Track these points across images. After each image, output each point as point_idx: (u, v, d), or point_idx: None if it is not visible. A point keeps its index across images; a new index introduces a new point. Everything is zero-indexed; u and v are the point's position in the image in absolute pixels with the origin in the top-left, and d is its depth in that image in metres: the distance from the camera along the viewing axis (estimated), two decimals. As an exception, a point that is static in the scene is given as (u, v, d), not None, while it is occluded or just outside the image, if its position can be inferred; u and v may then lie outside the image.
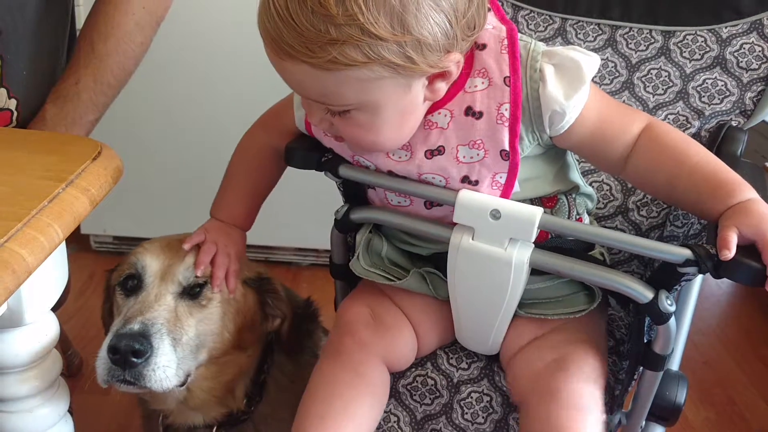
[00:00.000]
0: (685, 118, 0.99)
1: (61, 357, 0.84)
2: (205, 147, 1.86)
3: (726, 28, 1.00)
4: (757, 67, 0.98)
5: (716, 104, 0.99)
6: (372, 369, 0.86)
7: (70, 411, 0.86)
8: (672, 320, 0.75)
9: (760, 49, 0.98)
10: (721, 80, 0.99)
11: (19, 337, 0.75)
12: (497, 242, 0.76)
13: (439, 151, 0.78)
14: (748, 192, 0.74)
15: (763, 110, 0.98)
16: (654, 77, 1.02)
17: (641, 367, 0.83)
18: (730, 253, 0.68)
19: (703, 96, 1.00)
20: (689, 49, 1.01)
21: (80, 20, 1.66)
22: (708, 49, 1.01)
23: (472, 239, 0.77)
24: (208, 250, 0.96)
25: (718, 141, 0.95)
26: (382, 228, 0.91)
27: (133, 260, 0.95)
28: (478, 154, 0.77)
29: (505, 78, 0.75)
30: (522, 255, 0.76)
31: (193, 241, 0.97)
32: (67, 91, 1.01)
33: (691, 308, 0.93)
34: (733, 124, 0.98)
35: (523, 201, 0.80)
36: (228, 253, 0.97)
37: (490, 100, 0.76)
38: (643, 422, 0.87)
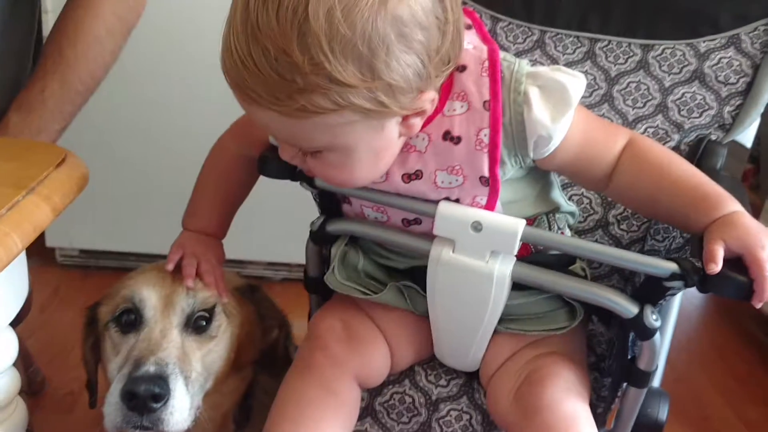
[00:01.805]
0: (664, 131, 0.99)
1: (22, 374, 0.80)
2: (177, 158, 1.82)
3: (704, 42, 1.00)
4: (735, 81, 0.98)
5: (695, 118, 0.99)
6: (343, 386, 0.83)
7: (30, 430, 0.82)
8: (657, 335, 0.74)
9: (737, 63, 0.98)
10: (700, 94, 0.99)
11: (-26, 353, 0.71)
12: (479, 255, 0.74)
13: (417, 175, 0.76)
14: (732, 205, 0.73)
15: (742, 124, 0.98)
16: (633, 90, 1.02)
17: (625, 384, 0.82)
18: (717, 266, 0.67)
19: (682, 109, 1.00)
20: (668, 62, 1.01)
21: (47, 27, 1.63)
22: (686, 62, 1.01)
23: (453, 252, 0.75)
24: (191, 263, 0.93)
25: (698, 155, 0.95)
26: (359, 240, 0.89)
27: (127, 294, 0.90)
28: (456, 180, 0.75)
29: (484, 102, 0.72)
30: (504, 268, 0.74)
31: (172, 259, 0.93)
32: (32, 98, 0.97)
33: (672, 323, 0.92)
34: (712, 138, 0.98)
35: None
36: (210, 261, 0.94)
37: (469, 124, 0.73)
38: (626, 440, 0.85)
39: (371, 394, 0.89)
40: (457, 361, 0.88)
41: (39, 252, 1.92)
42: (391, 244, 0.84)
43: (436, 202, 0.75)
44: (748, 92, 0.98)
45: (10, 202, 0.64)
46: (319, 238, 0.86)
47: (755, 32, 0.98)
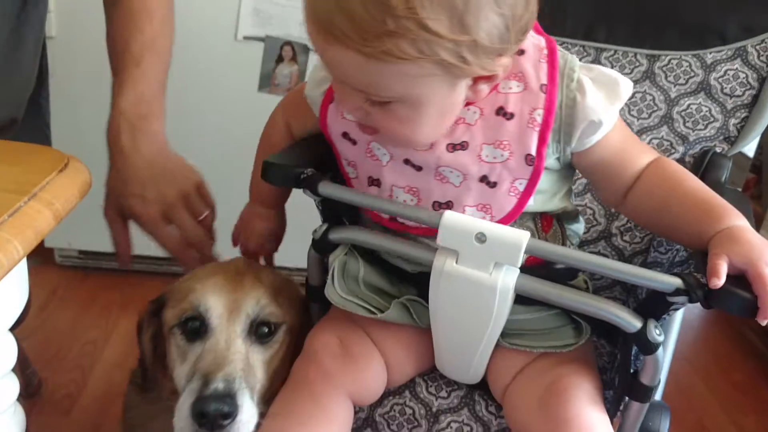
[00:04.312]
0: (669, 143, 0.99)
1: (19, 376, 0.79)
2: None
3: (710, 53, 1.00)
4: (741, 93, 0.98)
5: (700, 130, 0.99)
6: (334, 402, 0.82)
7: (27, 435, 0.81)
8: (660, 350, 0.73)
9: (744, 75, 0.98)
10: (706, 106, 0.99)
11: (-28, 359, 0.70)
12: (482, 267, 0.73)
13: (462, 146, 0.76)
14: (737, 219, 0.73)
15: (747, 137, 0.98)
16: (639, 101, 1.01)
17: (627, 398, 0.81)
18: (720, 281, 0.66)
19: (688, 121, 0.99)
20: (674, 73, 1.01)
21: (51, 27, 1.63)
22: (692, 74, 1.00)
23: (456, 263, 0.74)
24: (246, 249, 0.98)
25: (703, 167, 0.94)
26: (358, 247, 0.88)
27: (194, 301, 0.89)
28: (502, 155, 0.76)
29: (541, 85, 0.75)
30: (507, 280, 0.73)
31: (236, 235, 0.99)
32: (131, 73, 1.00)
33: (675, 336, 0.92)
34: (717, 150, 0.98)
35: (528, 219, 0.81)
36: (255, 234, 0.98)
37: (523, 103, 0.75)
38: (627, 454, 0.85)
39: (371, 405, 0.88)
40: (458, 373, 0.87)
41: (38, 252, 1.91)
42: (393, 253, 0.83)
43: (442, 211, 0.75)
44: (753, 105, 0.98)
45: (12, 208, 0.63)
46: (322, 247, 0.85)
47: (762, 44, 0.97)
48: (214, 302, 0.89)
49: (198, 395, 0.81)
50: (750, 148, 2.13)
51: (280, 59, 1.74)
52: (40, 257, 1.96)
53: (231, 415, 0.80)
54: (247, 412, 0.82)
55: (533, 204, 0.79)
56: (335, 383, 0.83)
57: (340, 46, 0.65)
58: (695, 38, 1.00)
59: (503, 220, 0.78)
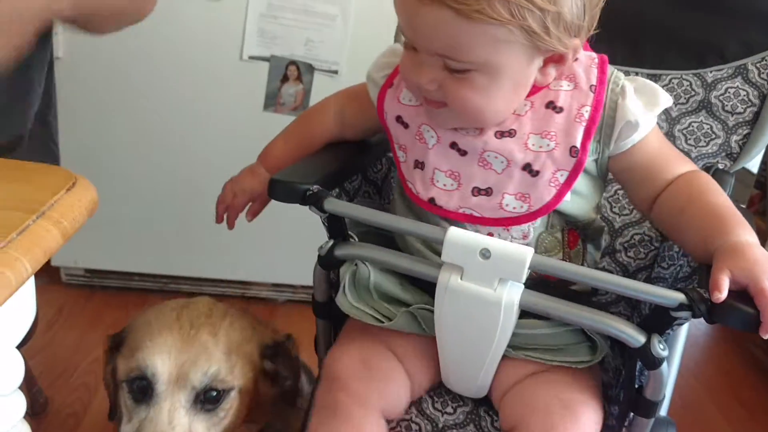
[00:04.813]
0: (672, 159, 0.99)
1: (26, 395, 0.79)
2: (184, 178, 1.84)
3: (711, 72, 1.01)
4: (742, 110, 0.99)
5: (702, 147, 0.99)
6: (371, 424, 0.82)
7: (33, 454, 0.82)
8: (664, 365, 0.73)
9: (744, 93, 0.99)
10: (707, 123, 1.00)
11: (-21, 377, 0.71)
12: (486, 282, 0.74)
13: (510, 133, 0.80)
14: (745, 234, 0.73)
15: (749, 153, 0.99)
16: (640, 119, 1.02)
17: (632, 414, 0.81)
18: (722, 295, 0.67)
19: (689, 138, 1.00)
20: (675, 93, 1.02)
21: (58, 48, 1.65)
22: (693, 93, 1.01)
23: (461, 279, 0.75)
24: (223, 199, 0.98)
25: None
26: None
27: (141, 364, 0.88)
28: (548, 145, 0.79)
29: (591, 86, 0.80)
30: (512, 296, 0.74)
31: (223, 199, 0.99)
32: None
33: (680, 351, 0.91)
34: (720, 167, 0.98)
35: (557, 230, 0.82)
36: (245, 190, 0.98)
37: (572, 100, 0.80)
38: (633, 470, 0.84)
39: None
40: (464, 387, 0.87)
41: (44, 271, 1.92)
42: (399, 269, 0.83)
43: (446, 227, 0.75)
44: (755, 122, 0.98)
45: (21, 226, 0.64)
46: (328, 263, 0.86)
47: (762, 62, 0.98)
48: (161, 367, 0.87)
49: None
50: (754, 165, 2.13)
51: (285, 79, 1.75)
52: (47, 276, 1.97)
53: None
54: None
55: (569, 201, 0.81)
56: (368, 405, 0.83)
57: (434, 4, 0.69)
58: (695, 57, 1.01)
59: (540, 211, 0.80)
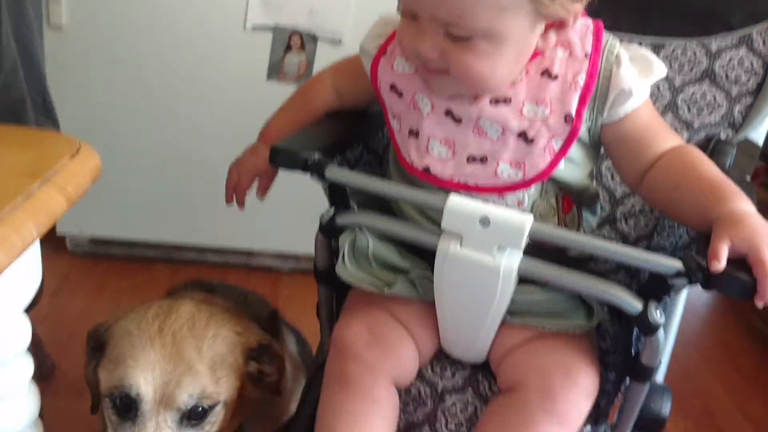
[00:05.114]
0: (673, 129, 0.99)
1: (33, 360, 0.81)
2: (187, 147, 1.84)
3: (715, 41, 1.00)
4: (746, 80, 0.98)
5: (705, 117, 0.99)
6: (383, 391, 0.84)
7: (41, 415, 0.83)
8: (660, 331, 0.74)
9: (749, 62, 0.98)
10: (711, 93, 0.99)
11: (-11, 339, 0.72)
12: (486, 250, 0.75)
13: (505, 101, 0.80)
14: (743, 203, 0.73)
15: (751, 123, 0.99)
16: (643, 89, 1.02)
17: (628, 379, 0.82)
18: (720, 264, 0.67)
19: (692, 108, 1.00)
20: (678, 61, 1.01)
21: (61, 16, 1.64)
22: (697, 62, 1.01)
23: (461, 246, 0.75)
24: (230, 182, 0.98)
25: (707, 154, 0.95)
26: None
27: (125, 383, 0.85)
28: (543, 112, 0.79)
29: (586, 54, 0.80)
30: (511, 263, 0.75)
31: (230, 182, 0.99)
32: None
33: (677, 319, 0.93)
34: (722, 137, 0.98)
35: (552, 195, 0.83)
36: (250, 170, 0.98)
37: (567, 67, 0.80)
38: (628, 434, 0.86)
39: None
40: (462, 352, 0.89)
41: (50, 240, 1.94)
42: (399, 237, 0.84)
43: (447, 195, 0.76)
44: (758, 92, 0.98)
45: (26, 192, 0.65)
46: (329, 231, 0.87)
47: None
48: (144, 387, 0.84)
49: None
50: (760, 137, 2.12)
51: (288, 48, 1.75)
52: (52, 245, 1.99)
53: None
54: None
55: (563, 169, 0.81)
56: (378, 373, 0.84)
57: None
58: (700, 25, 1.01)
59: (535, 179, 0.81)
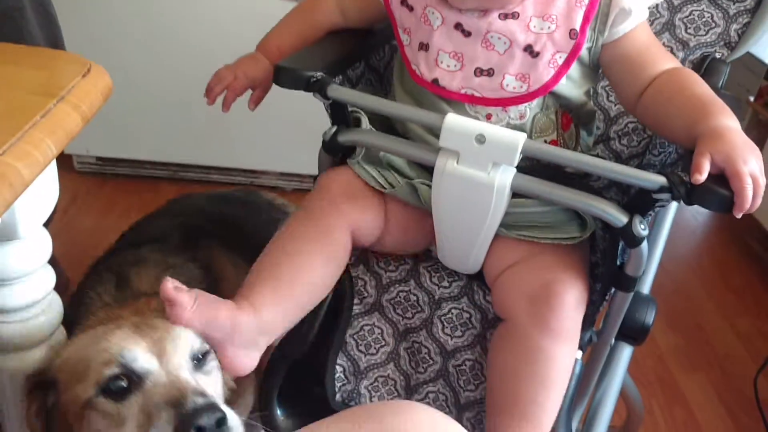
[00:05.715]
0: (670, 49, 1.00)
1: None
2: (191, 67, 1.83)
3: (715, -42, 1.00)
4: (743, -2, 0.99)
5: (701, 36, 1.00)
6: (337, 229, 0.89)
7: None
8: (644, 244, 0.78)
9: (747, -20, 0.98)
10: (708, 12, 1.00)
11: (13, 251, 0.76)
12: (481, 167, 0.78)
13: (514, 15, 0.83)
14: (727, 119, 0.76)
15: (747, 42, 0.99)
16: (642, 8, 1.02)
17: (613, 288, 0.87)
18: (702, 176, 0.70)
19: (689, 27, 1.01)
20: (677, -21, 1.01)
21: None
22: (696, -21, 1.01)
23: (457, 163, 0.79)
24: (220, 80, 0.95)
25: (701, 73, 0.96)
26: (382, 126, 0.92)
27: (115, 355, 0.75)
28: (549, 27, 0.83)
29: None
30: (504, 179, 0.78)
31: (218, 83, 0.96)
32: None
33: (665, 234, 0.97)
34: (717, 56, 0.99)
35: (552, 111, 0.87)
36: (246, 75, 0.96)
37: None
38: (613, 340, 0.92)
39: (379, 291, 0.95)
40: (458, 263, 0.93)
41: (57, 159, 1.96)
42: (399, 154, 0.88)
43: (444, 114, 0.78)
44: (756, 10, 0.99)
45: (43, 110, 0.67)
46: (331, 148, 0.90)
47: (768, -52, 0.97)
48: (136, 347, 0.75)
49: (179, 419, 0.68)
50: (766, 55, 2.10)
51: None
52: (59, 164, 2.00)
53: (225, 420, 0.69)
54: (235, 418, 0.72)
55: (564, 84, 0.85)
56: (340, 214, 0.89)
57: None
58: (701, -57, 1.00)
59: (538, 92, 0.84)
